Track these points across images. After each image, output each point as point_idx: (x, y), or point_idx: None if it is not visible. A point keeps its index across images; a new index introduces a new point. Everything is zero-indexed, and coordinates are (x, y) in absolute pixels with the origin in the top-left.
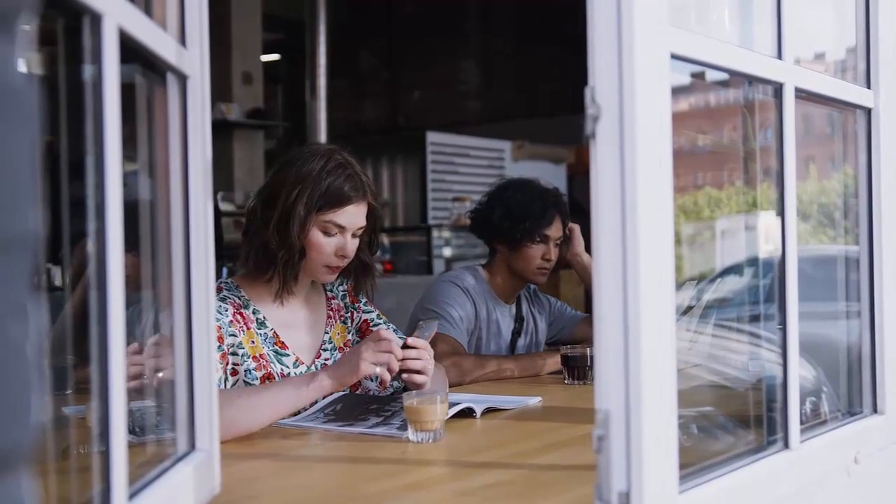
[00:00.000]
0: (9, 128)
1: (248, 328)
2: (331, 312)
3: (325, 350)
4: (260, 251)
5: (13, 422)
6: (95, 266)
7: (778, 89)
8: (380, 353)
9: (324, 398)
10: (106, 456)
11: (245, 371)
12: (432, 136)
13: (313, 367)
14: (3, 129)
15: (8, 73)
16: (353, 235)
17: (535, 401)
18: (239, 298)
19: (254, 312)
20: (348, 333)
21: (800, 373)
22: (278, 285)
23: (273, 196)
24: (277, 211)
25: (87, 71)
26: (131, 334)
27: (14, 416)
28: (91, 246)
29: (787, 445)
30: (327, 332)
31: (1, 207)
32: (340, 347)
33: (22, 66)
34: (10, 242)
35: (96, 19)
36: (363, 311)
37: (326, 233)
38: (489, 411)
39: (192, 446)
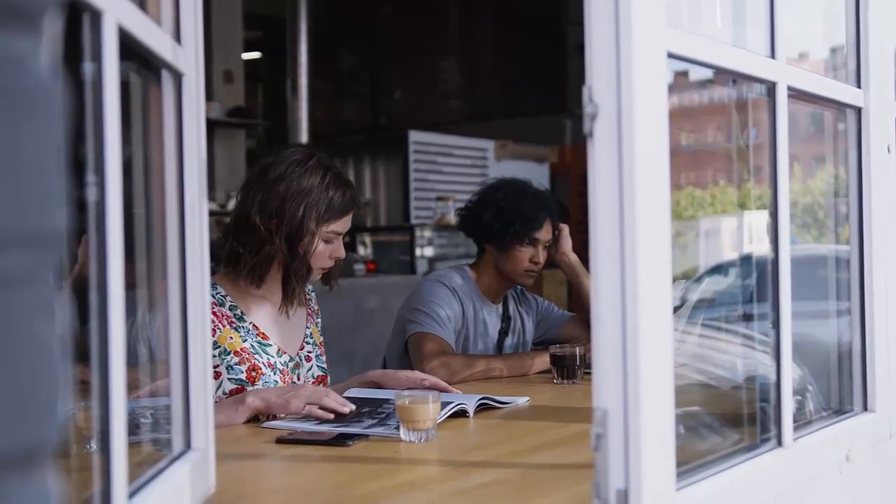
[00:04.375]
0: (37, 125)
1: (224, 325)
2: (309, 311)
3: (307, 343)
4: (265, 262)
5: (42, 419)
6: (96, 265)
7: (771, 88)
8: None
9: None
10: (106, 456)
11: (227, 368)
12: (414, 136)
13: (297, 357)
14: (31, 126)
15: (35, 70)
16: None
17: (524, 400)
18: (214, 296)
19: (230, 309)
20: (320, 336)
21: None
22: (282, 297)
23: (277, 210)
24: (284, 225)
25: (86, 68)
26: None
27: (43, 414)
28: (91, 244)
29: (780, 443)
30: (308, 328)
31: (29, 204)
32: (319, 343)
33: (48, 62)
34: (38, 239)
35: (96, 16)
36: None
37: (326, 241)
38: (482, 409)
39: (187, 445)
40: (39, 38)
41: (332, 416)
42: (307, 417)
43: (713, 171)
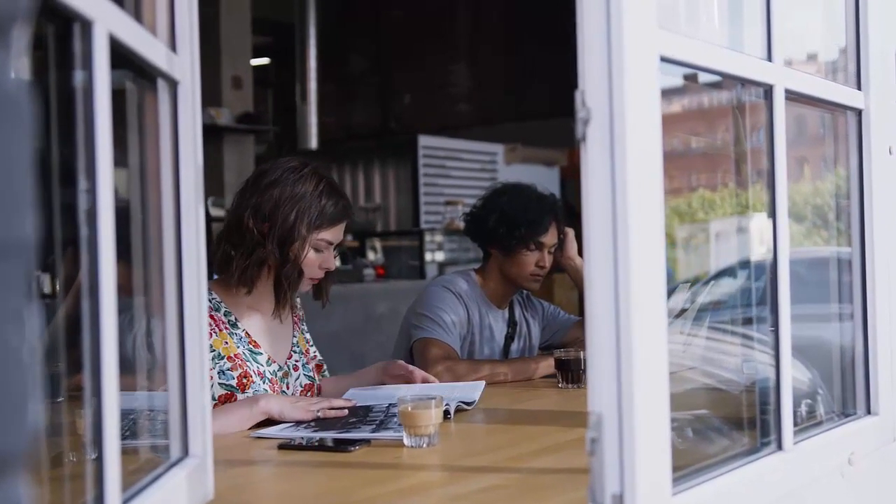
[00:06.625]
0: (5, 134)
1: (221, 330)
2: (296, 319)
3: (294, 352)
4: (256, 266)
5: (11, 427)
6: (87, 273)
7: (768, 91)
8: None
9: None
10: (99, 462)
11: (219, 373)
12: (424, 140)
13: (286, 367)
14: (0, 135)
15: (4, 80)
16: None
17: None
18: (210, 301)
19: (225, 315)
20: (306, 343)
21: (795, 375)
22: (274, 301)
23: (269, 214)
24: (276, 230)
25: (78, 77)
26: (123, 342)
27: (12, 422)
28: (83, 253)
29: (780, 447)
30: (295, 336)
31: None
32: (305, 352)
33: (17, 73)
34: (8, 248)
35: (87, 25)
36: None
37: (317, 250)
38: (459, 411)
39: (185, 452)
40: (8, 48)
41: (345, 412)
42: (294, 427)
43: (723, 174)
